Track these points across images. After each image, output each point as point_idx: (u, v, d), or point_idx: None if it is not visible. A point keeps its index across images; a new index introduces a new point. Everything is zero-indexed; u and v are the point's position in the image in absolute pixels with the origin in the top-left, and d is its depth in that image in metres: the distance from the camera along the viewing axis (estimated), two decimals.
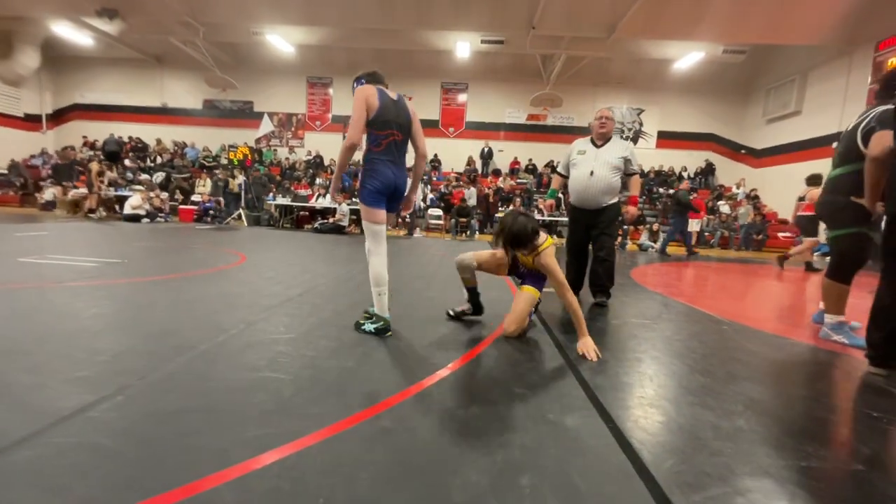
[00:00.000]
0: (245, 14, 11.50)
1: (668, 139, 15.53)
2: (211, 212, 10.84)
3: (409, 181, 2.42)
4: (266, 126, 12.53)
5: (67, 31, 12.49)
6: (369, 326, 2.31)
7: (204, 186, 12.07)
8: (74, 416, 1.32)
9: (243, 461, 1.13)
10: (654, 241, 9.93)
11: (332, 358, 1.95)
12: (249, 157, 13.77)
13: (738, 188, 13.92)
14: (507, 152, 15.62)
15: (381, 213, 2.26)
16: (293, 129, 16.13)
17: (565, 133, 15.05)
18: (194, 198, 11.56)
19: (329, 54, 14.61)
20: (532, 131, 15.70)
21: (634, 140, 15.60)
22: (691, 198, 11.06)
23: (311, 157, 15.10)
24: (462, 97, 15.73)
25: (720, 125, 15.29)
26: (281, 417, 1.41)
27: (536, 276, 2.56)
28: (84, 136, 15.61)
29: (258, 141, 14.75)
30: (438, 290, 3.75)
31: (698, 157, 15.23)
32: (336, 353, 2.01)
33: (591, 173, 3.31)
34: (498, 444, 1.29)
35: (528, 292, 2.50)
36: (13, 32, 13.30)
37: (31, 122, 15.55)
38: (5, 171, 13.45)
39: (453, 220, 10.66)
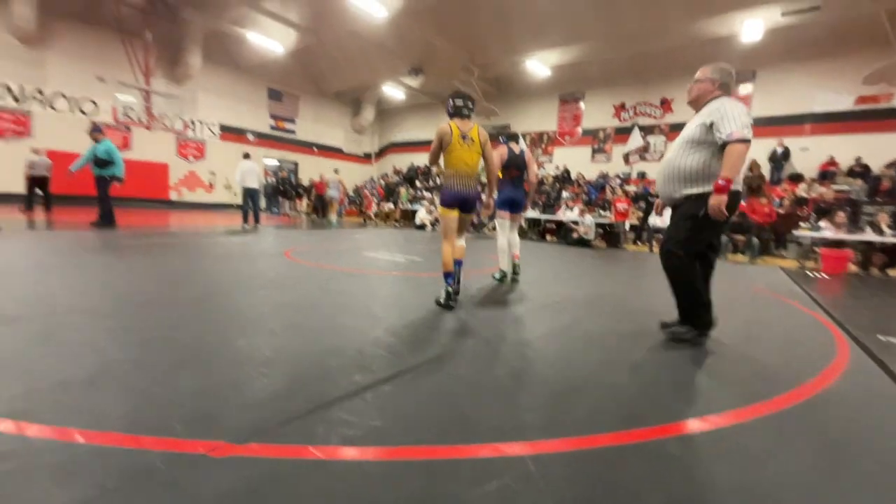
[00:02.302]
0: (511, 48, 12.99)
1: None
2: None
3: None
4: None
5: (390, 90, 17.29)
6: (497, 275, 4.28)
7: None
8: (412, 370, 1.85)
9: (538, 440, 1.33)
10: None
11: (605, 372, 2.00)
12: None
13: None
14: (813, 150, 11.84)
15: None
16: (543, 145, 17.08)
17: None
18: None
19: (581, 69, 14.71)
20: (862, 119, 11.32)
21: None
22: None
23: (558, 172, 15.60)
24: (745, 89, 12.90)
25: None
26: (555, 415, 1.56)
27: None
28: (394, 166, 21.13)
29: None
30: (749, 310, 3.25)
31: None
32: (605, 366, 2.05)
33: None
34: None
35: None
36: (362, 97, 19.48)
37: (366, 158, 22.30)
38: (352, 194, 19.73)
39: (725, 239, 8.85)
